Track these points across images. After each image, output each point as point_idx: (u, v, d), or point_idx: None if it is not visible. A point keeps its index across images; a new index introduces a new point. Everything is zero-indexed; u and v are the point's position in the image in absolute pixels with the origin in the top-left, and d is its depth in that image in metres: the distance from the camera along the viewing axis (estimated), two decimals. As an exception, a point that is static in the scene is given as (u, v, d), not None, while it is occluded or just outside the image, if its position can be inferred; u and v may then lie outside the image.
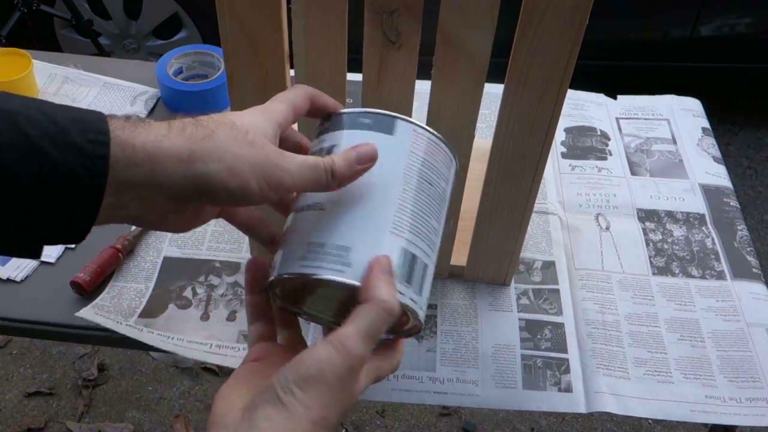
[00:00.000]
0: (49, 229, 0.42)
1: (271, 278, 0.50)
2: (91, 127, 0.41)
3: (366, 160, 0.49)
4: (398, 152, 0.51)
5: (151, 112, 1.16)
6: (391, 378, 0.84)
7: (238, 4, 0.64)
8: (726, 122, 2.55)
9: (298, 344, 0.55)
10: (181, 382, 1.76)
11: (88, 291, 0.89)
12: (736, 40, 2.34)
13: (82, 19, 2.08)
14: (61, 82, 1.20)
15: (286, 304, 0.54)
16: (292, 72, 0.72)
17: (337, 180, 0.48)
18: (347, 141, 0.52)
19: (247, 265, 0.54)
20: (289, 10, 0.67)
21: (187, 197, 0.45)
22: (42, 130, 0.40)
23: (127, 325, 0.85)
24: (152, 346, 0.84)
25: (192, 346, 0.85)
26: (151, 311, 0.88)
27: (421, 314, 0.51)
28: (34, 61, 1.16)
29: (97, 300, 0.88)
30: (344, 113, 0.54)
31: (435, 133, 0.54)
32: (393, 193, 0.50)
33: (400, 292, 0.48)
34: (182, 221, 0.50)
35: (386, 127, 0.52)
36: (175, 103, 1.17)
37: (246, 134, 0.46)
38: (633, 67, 2.42)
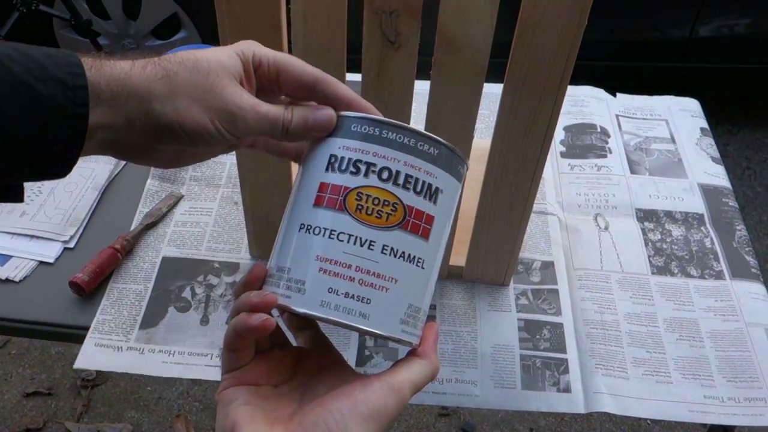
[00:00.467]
0: (37, 163, 0.43)
1: (365, 328, 0.44)
2: (66, 62, 0.43)
3: (320, 130, 0.48)
4: (456, 199, 0.50)
5: (150, 112, 1.16)
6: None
7: (237, 4, 0.64)
8: (725, 123, 2.55)
9: (321, 345, 0.53)
10: (180, 382, 1.76)
11: (87, 291, 0.89)
12: (734, 41, 2.34)
13: (81, 19, 2.08)
14: (60, 82, 1.20)
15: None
16: (291, 72, 0.72)
17: (287, 137, 0.49)
18: (451, 191, 0.48)
19: (246, 323, 0.45)
20: (288, 10, 0.67)
21: (154, 135, 0.45)
22: (24, 66, 0.41)
23: (128, 348, 0.85)
24: (154, 375, 0.84)
25: (193, 360, 0.85)
26: (151, 318, 0.88)
27: None
28: (33, 61, 1.16)
29: (98, 314, 0.88)
30: (450, 149, 0.48)
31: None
32: (445, 243, 0.49)
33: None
34: (167, 158, 0.49)
35: (461, 173, 0.49)
36: (174, 103, 1.16)
37: (207, 76, 0.46)
38: (632, 68, 2.42)
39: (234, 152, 0.82)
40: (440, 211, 0.47)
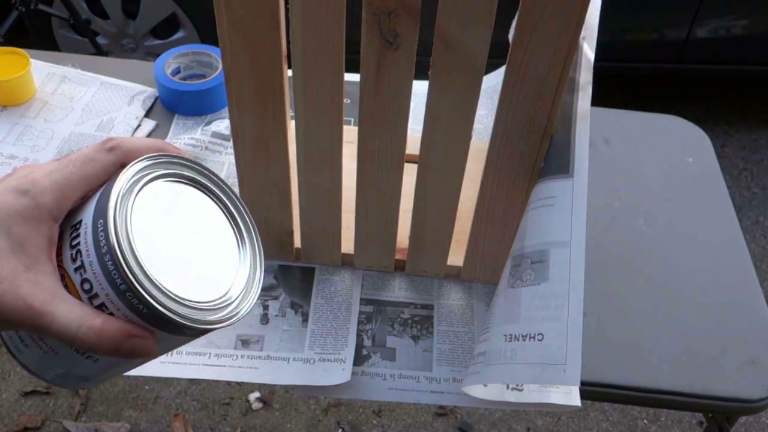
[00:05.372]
0: None
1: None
2: None
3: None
4: None
5: (148, 112, 1.16)
6: (387, 378, 0.84)
7: (235, 4, 0.65)
8: (721, 123, 2.56)
9: None
10: (178, 381, 1.76)
11: (85, 290, 0.89)
12: (732, 43, 2.34)
13: (80, 19, 2.08)
14: (59, 82, 1.20)
15: None
16: (289, 72, 0.72)
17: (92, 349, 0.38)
18: None
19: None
20: (286, 10, 0.67)
21: None
22: None
23: None
24: (153, 376, 0.84)
25: (191, 360, 0.85)
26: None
27: None
28: (32, 60, 1.16)
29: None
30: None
31: None
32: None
33: None
34: None
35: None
36: (172, 103, 1.17)
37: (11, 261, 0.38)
38: (630, 69, 2.43)
39: (233, 150, 0.82)
40: None
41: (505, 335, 0.70)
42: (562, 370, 0.64)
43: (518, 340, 0.69)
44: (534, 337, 0.67)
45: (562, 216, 0.69)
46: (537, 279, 0.69)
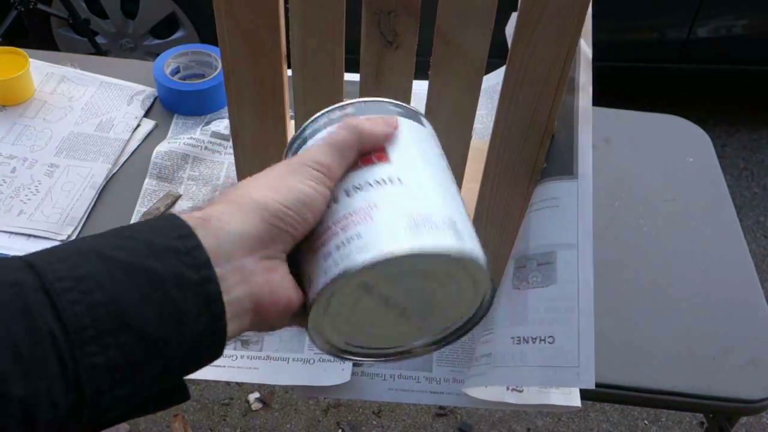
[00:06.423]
0: (189, 356, 0.38)
1: (364, 263, 0.41)
2: (168, 226, 0.39)
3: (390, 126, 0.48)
4: (432, 143, 0.52)
5: (147, 112, 1.16)
6: (387, 378, 0.84)
7: (235, 3, 0.65)
8: (722, 123, 2.56)
9: None
10: (178, 381, 1.76)
11: (84, 290, 0.89)
12: (732, 42, 2.34)
13: (79, 18, 2.08)
14: (58, 81, 1.20)
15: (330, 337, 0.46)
16: (289, 72, 0.72)
17: (362, 143, 0.47)
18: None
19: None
20: (286, 9, 0.67)
21: (265, 238, 0.42)
22: (131, 251, 0.37)
23: None
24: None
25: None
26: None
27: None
28: (31, 59, 1.16)
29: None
30: (367, 102, 0.51)
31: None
32: (449, 179, 0.50)
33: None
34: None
35: (417, 117, 0.52)
36: (172, 102, 1.16)
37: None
38: (630, 69, 2.43)
39: (232, 150, 0.82)
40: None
41: (513, 338, 0.70)
42: (576, 372, 0.64)
43: (527, 342, 0.68)
44: (544, 340, 0.67)
45: (568, 218, 0.69)
46: (544, 281, 0.69)
